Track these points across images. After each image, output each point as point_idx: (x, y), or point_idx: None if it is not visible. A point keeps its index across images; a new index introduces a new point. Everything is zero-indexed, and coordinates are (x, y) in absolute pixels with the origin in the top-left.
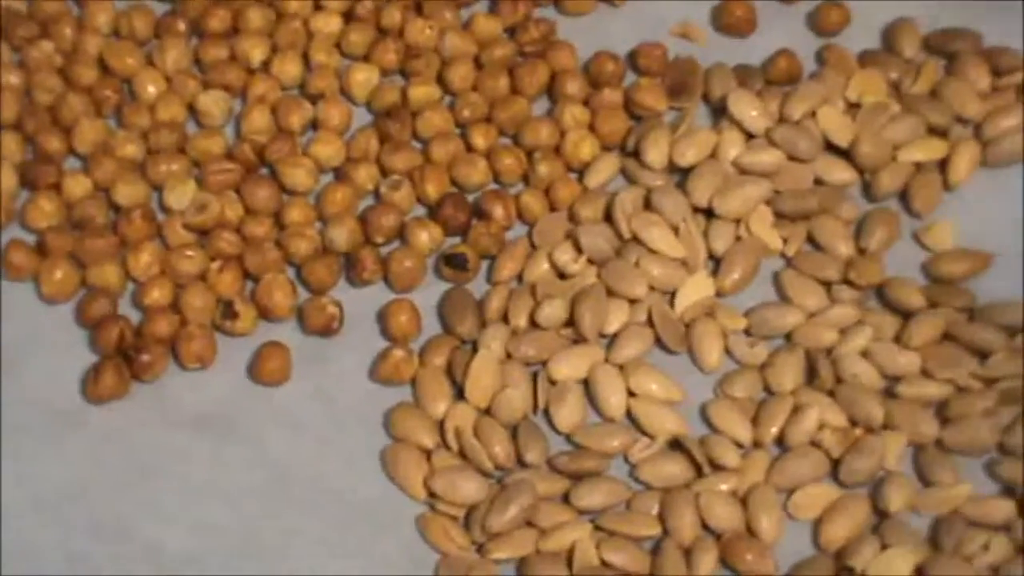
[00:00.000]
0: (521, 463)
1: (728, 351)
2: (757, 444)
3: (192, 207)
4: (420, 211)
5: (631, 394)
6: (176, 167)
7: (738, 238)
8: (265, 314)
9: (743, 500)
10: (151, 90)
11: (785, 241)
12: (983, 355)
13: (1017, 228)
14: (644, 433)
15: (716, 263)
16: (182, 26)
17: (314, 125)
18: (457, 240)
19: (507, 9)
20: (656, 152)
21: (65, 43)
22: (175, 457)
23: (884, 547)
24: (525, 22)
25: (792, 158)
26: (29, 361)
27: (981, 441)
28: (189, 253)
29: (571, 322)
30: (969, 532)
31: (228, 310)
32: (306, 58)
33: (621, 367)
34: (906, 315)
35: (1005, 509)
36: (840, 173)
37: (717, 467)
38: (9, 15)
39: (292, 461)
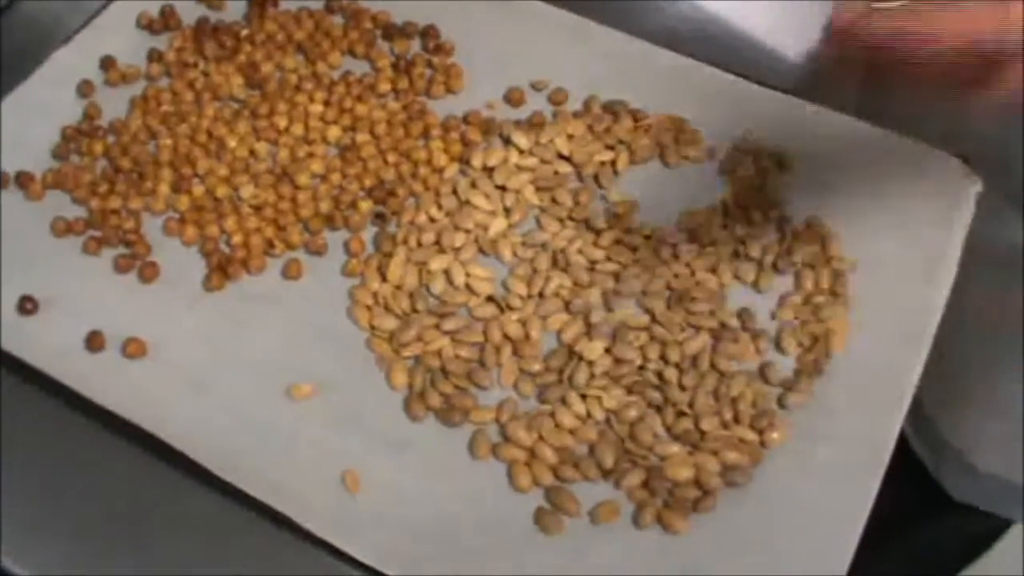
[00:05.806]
0: (415, 311)
1: (515, 254)
2: (530, 296)
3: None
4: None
5: (467, 275)
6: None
7: (517, 200)
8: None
9: (523, 323)
10: (232, 143)
11: (540, 200)
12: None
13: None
14: (474, 294)
15: (507, 211)
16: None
17: (310, 154)
18: (381, 207)
19: (404, 98)
20: (477, 160)
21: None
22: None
23: (591, 339)
24: (413, 103)
25: (543, 161)
26: None
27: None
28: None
29: (438, 243)
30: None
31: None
32: (305, 124)
33: (463, 263)
34: (597, 232)
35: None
36: (564, 168)
37: (511, 308)
38: None
39: (305, 309)
